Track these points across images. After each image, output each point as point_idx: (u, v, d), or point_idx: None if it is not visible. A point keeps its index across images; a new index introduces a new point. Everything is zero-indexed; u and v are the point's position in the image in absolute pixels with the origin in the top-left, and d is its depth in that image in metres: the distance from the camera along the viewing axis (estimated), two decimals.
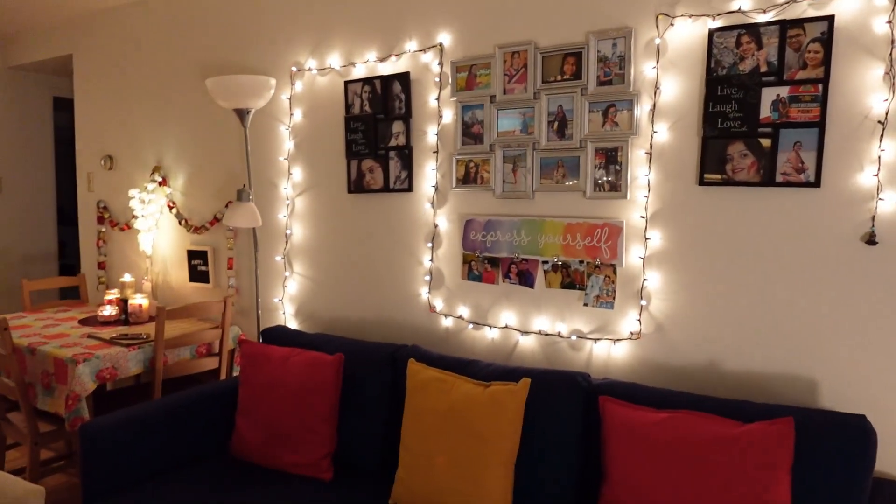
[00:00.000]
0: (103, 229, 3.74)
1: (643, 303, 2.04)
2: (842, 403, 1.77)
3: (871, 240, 1.70)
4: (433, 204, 2.46)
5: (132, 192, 3.38)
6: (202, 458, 2.32)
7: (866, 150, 1.70)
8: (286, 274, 2.91)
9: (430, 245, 2.48)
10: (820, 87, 1.74)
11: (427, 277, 2.49)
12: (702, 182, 1.92)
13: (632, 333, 2.07)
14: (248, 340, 2.41)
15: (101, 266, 3.76)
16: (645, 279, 2.03)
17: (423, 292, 2.51)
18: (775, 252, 1.84)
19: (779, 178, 1.81)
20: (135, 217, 3.47)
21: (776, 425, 1.54)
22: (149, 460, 2.16)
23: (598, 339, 2.13)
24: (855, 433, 1.53)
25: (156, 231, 3.44)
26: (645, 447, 1.63)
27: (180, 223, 3.31)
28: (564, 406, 1.85)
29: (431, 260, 2.48)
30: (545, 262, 2.22)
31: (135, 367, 2.68)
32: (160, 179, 3.38)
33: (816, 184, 1.76)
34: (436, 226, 2.46)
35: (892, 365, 1.70)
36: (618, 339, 2.10)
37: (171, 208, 3.36)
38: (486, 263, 2.35)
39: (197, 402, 2.32)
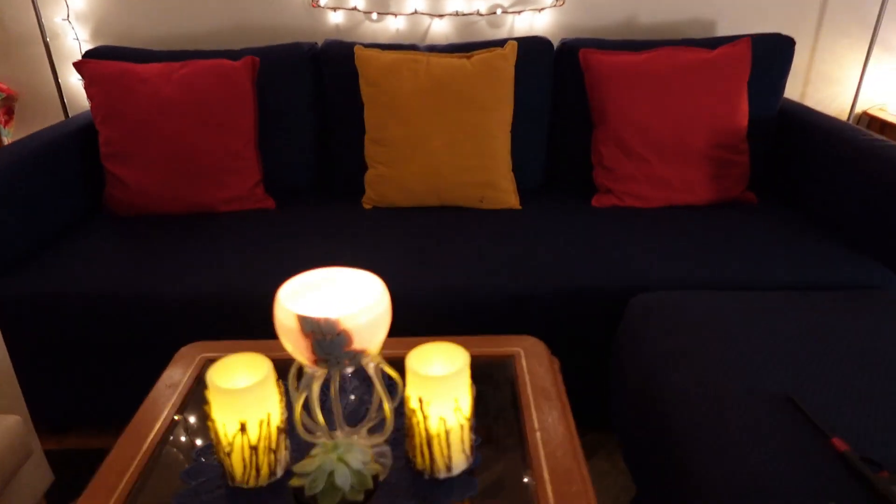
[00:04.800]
0: None
1: None
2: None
3: None
4: None
5: None
6: (81, 222, 1.73)
7: None
8: None
9: None
10: None
11: None
12: None
13: (556, 0, 2.06)
14: (95, 60, 1.72)
15: None
16: None
17: None
18: None
19: None
20: None
21: (738, 46, 1.78)
22: (16, 234, 1.54)
23: (521, 12, 2.07)
24: (781, 43, 1.85)
25: None
26: (635, 84, 1.73)
27: None
28: (539, 68, 1.82)
29: None
30: None
31: None
32: None
33: None
34: None
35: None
36: (542, 8, 2.07)
37: None
38: None
39: (40, 157, 1.65)
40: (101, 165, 1.82)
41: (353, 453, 0.72)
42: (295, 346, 0.72)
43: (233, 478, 0.82)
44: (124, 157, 1.73)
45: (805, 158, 1.78)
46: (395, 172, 1.74)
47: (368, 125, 1.76)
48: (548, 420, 0.94)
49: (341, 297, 0.79)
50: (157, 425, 0.96)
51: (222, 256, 1.50)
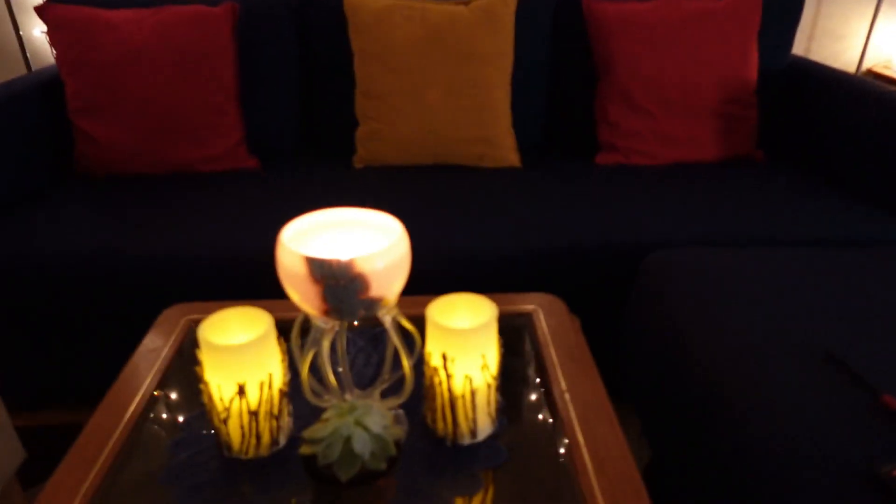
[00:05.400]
0: None
1: None
2: None
3: None
4: None
5: None
6: (50, 184, 1.60)
7: None
8: None
9: None
10: None
11: None
12: None
13: None
14: (59, 5, 1.57)
15: None
16: None
17: None
18: None
19: None
20: None
21: None
22: None
23: None
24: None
25: None
26: (642, 34, 1.64)
27: None
28: (539, 17, 1.72)
29: None
30: None
31: None
32: None
33: None
34: None
35: None
36: None
37: None
38: None
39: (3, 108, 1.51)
40: (69, 123, 1.68)
41: (371, 416, 0.63)
42: (303, 294, 0.62)
43: (229, 447, 0.72)
44: (94, 112, 1.59)
45: (815, 114, 1.71)
46: (388, 128, 1.63)
47: (359, 77, 1.65)
48: (576, 381, 0.86)
49: (351, 241, 0.69)
50: (139, 394, 0.86)
51: (205, 218, 1.39)
